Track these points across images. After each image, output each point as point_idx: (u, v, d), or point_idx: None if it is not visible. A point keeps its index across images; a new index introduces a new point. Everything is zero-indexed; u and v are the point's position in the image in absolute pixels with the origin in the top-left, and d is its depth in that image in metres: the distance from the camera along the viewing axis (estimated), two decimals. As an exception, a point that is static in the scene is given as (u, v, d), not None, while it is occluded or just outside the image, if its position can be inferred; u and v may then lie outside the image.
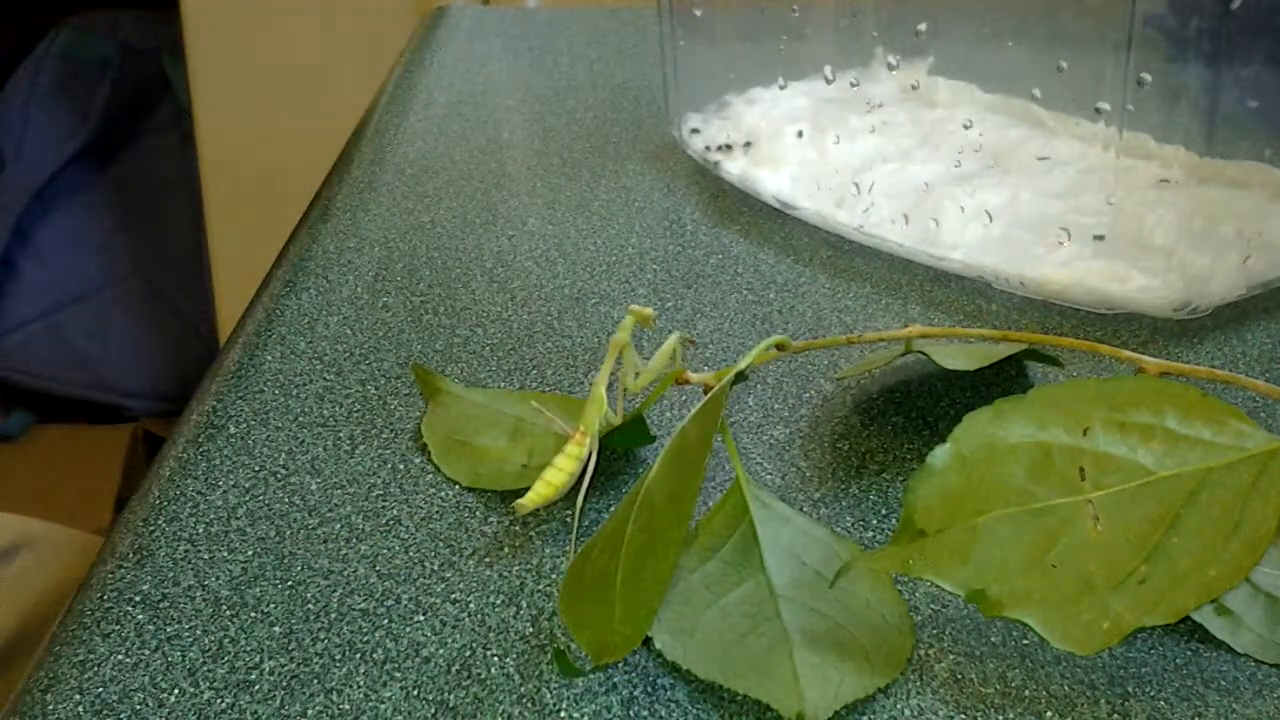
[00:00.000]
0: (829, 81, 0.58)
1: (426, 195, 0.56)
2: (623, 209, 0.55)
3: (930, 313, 0.47)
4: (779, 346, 0.36)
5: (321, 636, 0.31)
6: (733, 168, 0.55)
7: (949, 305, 0.47)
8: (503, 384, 0.42)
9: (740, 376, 0.34)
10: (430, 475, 0.37)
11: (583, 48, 0.76)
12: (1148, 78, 0.49)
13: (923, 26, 0.57)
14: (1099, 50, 0.52)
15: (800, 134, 0.56)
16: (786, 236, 0.52)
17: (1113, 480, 0.30)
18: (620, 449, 0.38)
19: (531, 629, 0.32)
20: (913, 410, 0.41)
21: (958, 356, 0.38)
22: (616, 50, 0.75)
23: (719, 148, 0.57)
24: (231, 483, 0.37)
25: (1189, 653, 0.31)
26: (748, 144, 0.57)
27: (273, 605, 0.32)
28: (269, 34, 1.34)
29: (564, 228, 0.53)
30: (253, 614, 0.32)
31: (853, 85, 0.57)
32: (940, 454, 0.32)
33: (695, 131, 0.58)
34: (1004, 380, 0.42)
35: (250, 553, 0.34)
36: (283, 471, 0.37)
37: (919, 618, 0.32)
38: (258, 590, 0.33)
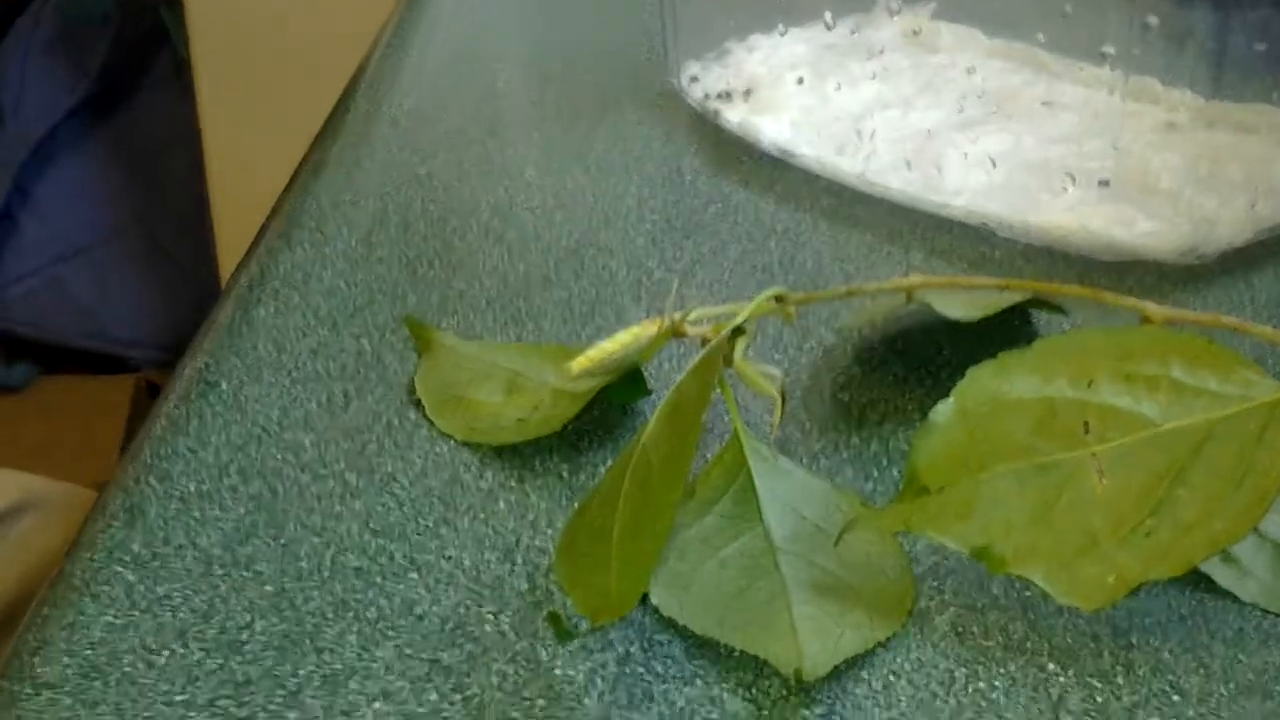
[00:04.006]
0: (829, 27, 0.57)
1: (422, 147, 0.55)
2: (621, 159, 0.54)
3: (933, 260, 0.46)
4: (778, 298, 0.35)
5: (314, 595, 0.31)
6: (732, 116, 0.54)
7: (952, 253, 0.47)
8: (499, 337, 0.42)
9: (738, 330, 0.34)
10: (425, 430, 0.37)
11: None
12: (1154, 20, 0.48)
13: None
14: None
15: (801, 81, 0.55)
16: (787, 185, 0.51)
17: (1117, 433, 0.30)
18: (617, 402, 0.37)
19: (527, 585, 0.31)
20: (914, 360, 0.40)
21: (960, 306, 0.37)
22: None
23: (718, 95, 0.56)
24: (224, 440, 0.36)
25: (1194, 603, 0.30)
26: (748, 91, 0.56)
27: (264, 564, 0.32)
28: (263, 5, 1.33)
29: (561, 178, 0.52)
30: (244, 573, 0.32)
31: (853, 32, 0.57)
32: (943, 409, 0.31)
33: (694, 79, 0.57)
34: (1007, 329, 0.41)
35: (242, 511, 0.34)
36: (275, 428, 0.37)
37: (920, 569, 0.32)
38: (249, 549, 0.32)
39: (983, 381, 0.31)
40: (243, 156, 1.38)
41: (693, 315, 0.35)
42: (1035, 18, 0.54)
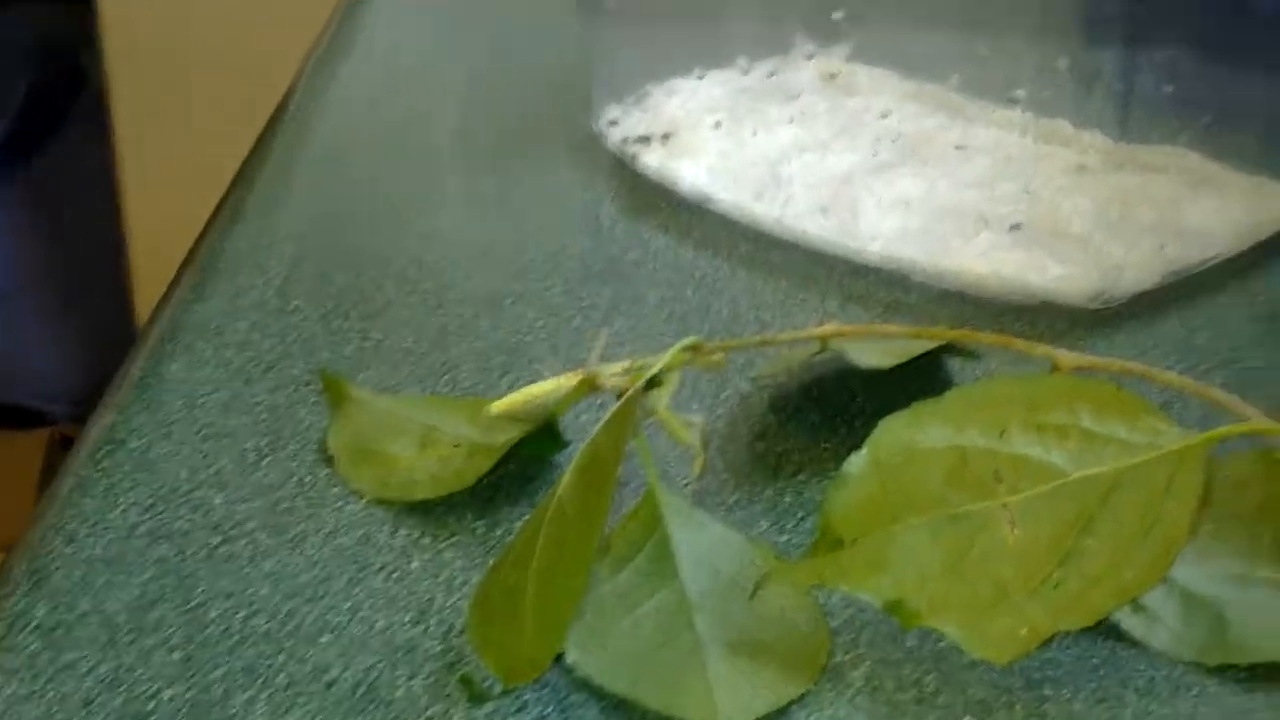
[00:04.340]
0: (744, 72, 0.57)
1: (340, 192, 0.55)
2: (539, 204, 0.54)
3: (849, 306, 0.46)
4: (692, 349, 0.35)
5: (222, 662, 0.30)
6: (650, 160, 0.54)
7: (868, 298, 0.47)
8: (415, 389, 0.41)
9: (652, 382, 0.34)
10: (338, 488, 0.36)
11: (509, 34, 0.75)
12: (1064, 63, 0.49)
13: (839, 14, 0.57)
14: (1014, 36, 0.52)
15: (718, 124, 0.55)
16: (705, 230, 0.51)
17: (1028, 483, 0.30)
18: (533, 456, 0.37)
19: (440, 647, 0.31)
20: (830, 408, 0.40)
21: (873, 354, 0.38)
22: (545, 37, 0.73)
23: (637, 139, 0.56)
24: (131, 500, 0.36)
25: (1106, 652, 0.31)
26: (666, 135, 0.56)
27: (172, 629, 0.31)
28: (186, 25, 1.32)
29: (480, 224, 0.52)
30: (151, 639, 0.31)
31: (770, 75, 0.57)
32: (856, 461, 0.31)
33: (614, 123, 0.58)
34: (922, 375, 0.41)
35: (149, 574, 0.33)
36: (185, 487, 0.36)
37: (835, 622, 0.32)
38: (157, 614, 0.32)
39: (895, 432, 0.31)
40: (161, 203, 1.36)
41: (609, 368, 0.35)
42: (949, 61, 0.55)
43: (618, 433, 0.31)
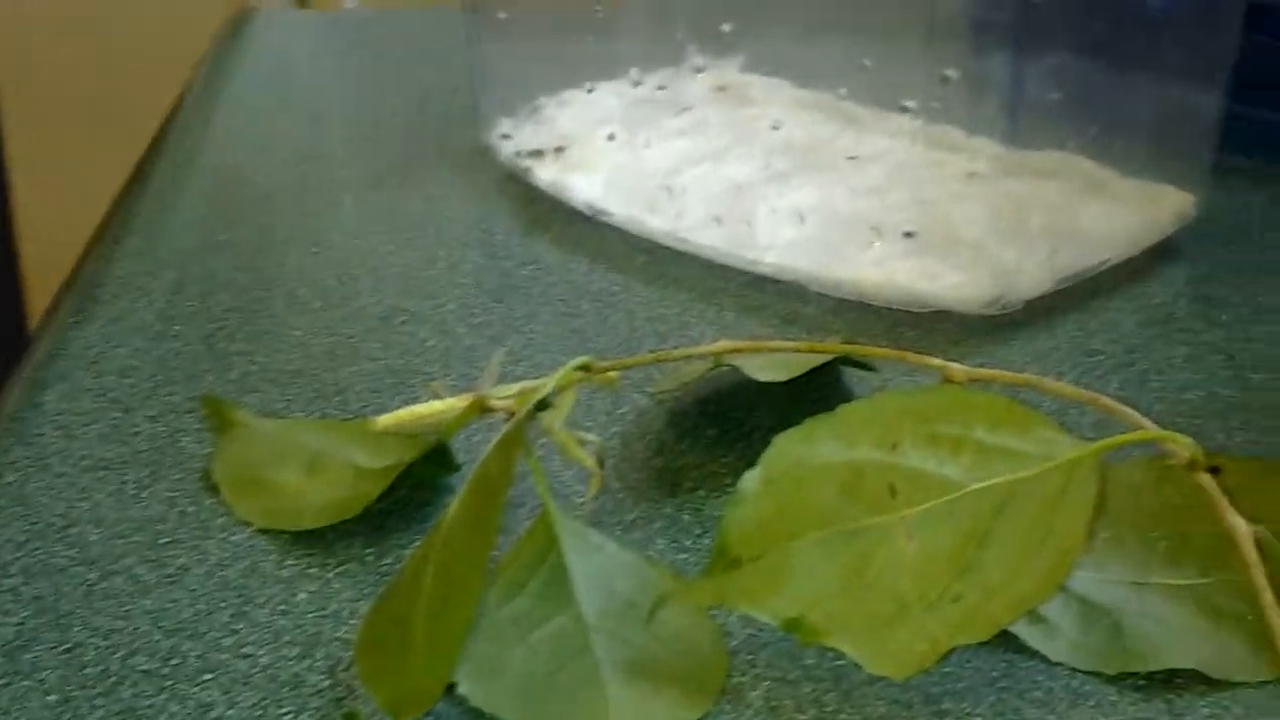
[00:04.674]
0: (635, 84, 0.57)
1: (227, 212, 0.54)
2: (431, 221, 0.53)
3: (746, 318, 0.46)
4: (584, 368, 0.34)
5: (100, 704, 0.29)
6: (544, 174, 0.54)
7: (765, 310, 0.46)
8: (303, 413, 0.40)
9: (542, 404, 0.33)
10: (223, 518, 0.35)
11: (396, 51, 0.74)
12: (953, 72, 0.49)
13: (728, 27, 0.56)
14: (905, 44, 0.52)
15: (612, 137, 0.55)
16: (600, 244, 0.51)
17: (923, 496, 0.30)
18: (424, 481, 0.36)
19: (328, 682, 0.30)
20: (728, 423, 0.40)
21: (767, 368, 0.37)
22: (432, 53, 0.73)
23: (530, 153, 0.55)
24: (6, 537, 0.34)
25: (1005, 664, 0.30)
26: (559, 149, 0.55)
27: (48, 671, 0.30)
28: (73, 46, 1.29)
29: (370, 242, 0.51)
30: (26, 683, 0.30)
31: (659, 88, 0.56)
32: (750, 478, 0.31)
33: (506, 137, 0.57)
34: (820, 387, 0.41)
35: (25, 614, 0.32)
36: (61, 522, 0.35)
37: (734, 642, 0.31)
38: (32, 656, 0.30)
39: (788, 448, 0.31)
40: (54, 218, 1.33)
41: (499, 390, 0.34)
42: (841, 70, 0.55)
43: (506, 456, 0.30)
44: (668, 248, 0.50)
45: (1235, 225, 0.51)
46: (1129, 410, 0.31)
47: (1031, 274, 0.45)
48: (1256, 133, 0.55)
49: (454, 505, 0.30)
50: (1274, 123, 0.55)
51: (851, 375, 0.41)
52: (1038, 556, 0.29)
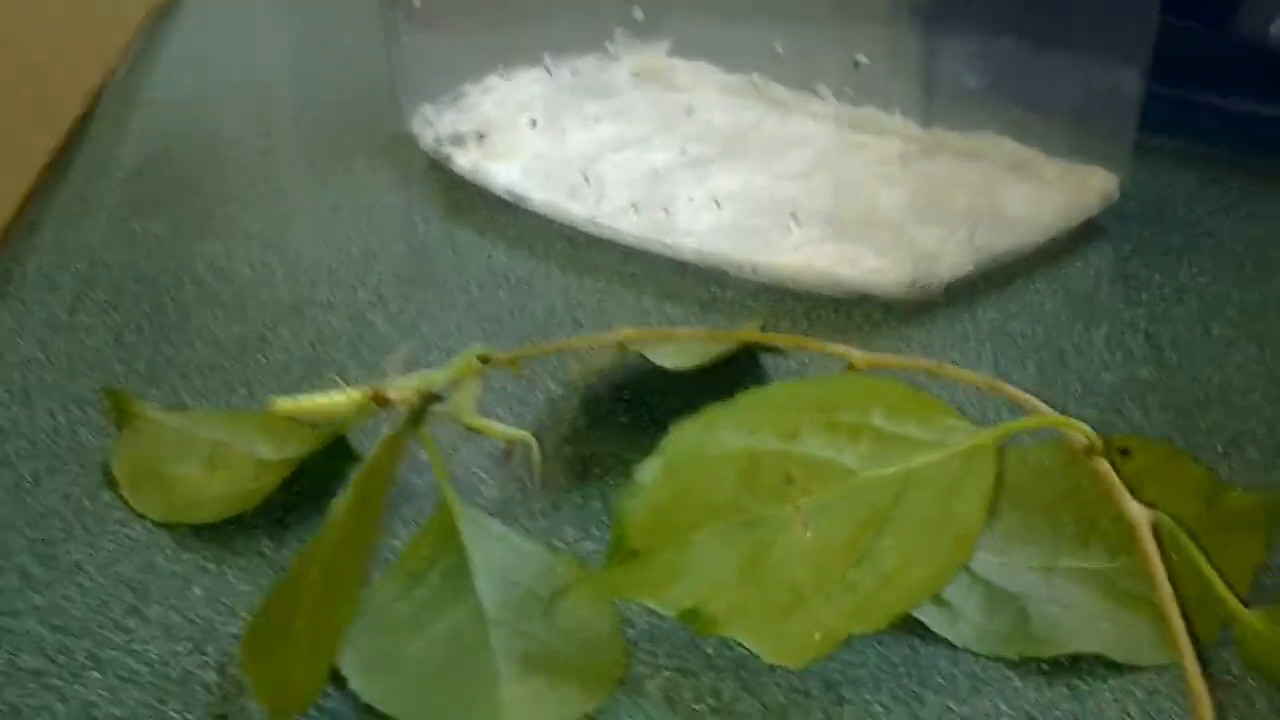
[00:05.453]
0: (560, 71, 0.56)
1: (143, 202, 0.53)
2: (350, 208, 0.52)
3: (666, 304, 0.46)
4: (482, 358, 0.34)
5: (-19, 705, 0.28)
6: (465, 161, 0.53)
7: (684, 295, 0.46)
8: (208, 404, 0.40)
9: (433, 397, 0.32)
10: (120, 512, 0.35)
11: (329, 37, 0.73)
12: (876, 53, 0.49)
13: (640, 14, 0.56)
14: (827, 26, 0.51)
15: (534, 123, 0.54)
16: (520, 231, 0.50)
17: (820, 485, 0.29)
18: (325, 473, 0.35)
19: (217, 678, 0.29)
20: (641, 409, 0.39)
21: (673, 355, 0.37)
22: (359, 39, 0.72)
23: (452, 139, 0.55)
24: (-106, 535, 0.34)
25: (908, 650, 0.30)
26: (481, 135, 0.55)
27: (-71, 673, 0.29)
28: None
29: (286, 231, 0.50)
30: (-94, 684, 0.29)
31: (573, 74, 0.56)
32: (648, 468, 0.30)
33: (429, 123, 0.56)
34: (737, 372, 0.40)
35: (-91, 614, 0.31)
36: (-48, 519, 0.34)
37: (635, 633, 0.31)
38: (-86, 656, 0.30)
39: (687, 437, 0.30)
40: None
41: (397, 382, 0.33)
42: (766, 53, 0.55)
43: (391, 449, 0.30)
44: (588, 234, 0.49)
45: (1159, 205, 0.51)
46: (1027, 396, 0.30)
47: (952, 256, 0.45)
48: (1181, 113, 0.55)
49: (341, 498, 0.29)
50: (1199, 103, 0.55)
51: (770, 361, 0.41)
52: (933, 544, 0.28)
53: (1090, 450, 0.30)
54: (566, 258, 0.48)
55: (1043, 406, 0.30)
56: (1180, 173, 0.54)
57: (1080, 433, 0.29)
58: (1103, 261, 0.48)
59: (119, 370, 0.41)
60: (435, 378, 0.33)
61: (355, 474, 0.30)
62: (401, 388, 0.33)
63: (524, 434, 0.34)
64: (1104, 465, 0.29)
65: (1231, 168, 0.54)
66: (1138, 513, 0.27)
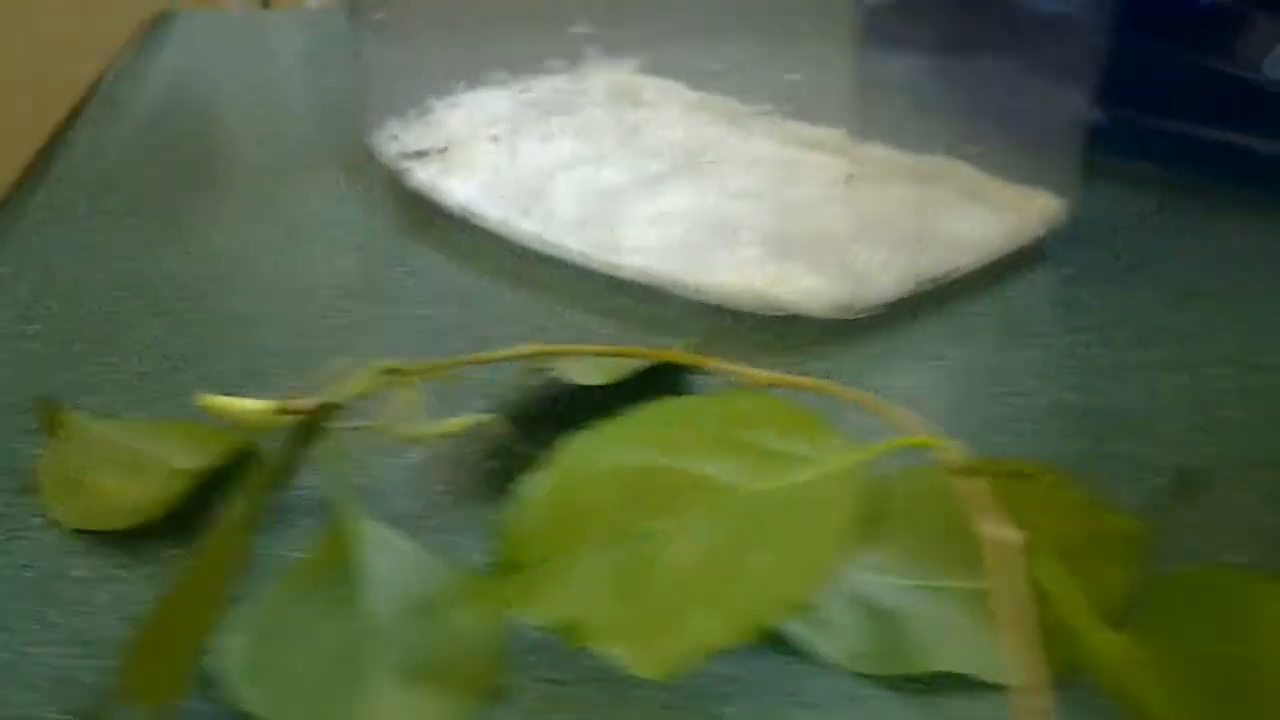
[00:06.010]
0: (527, 87, 0.57)
1: (107, 214, 0.54)
2: (310, 223, 0.53)
3: (608, 322, 0.46)
4: (390, 371, 0.34)
5: (-127, 704, 0.29)
6: (422, 176, 0.54)
7: (626, 313, 0.47)
8: (144, 414, 0.40)
9: (330, 409, 0.33)
10: (38, 518, 0.35)
11: (309, 52, 0.74)
12: (834, 73, 0.49)
13: (609, 33, 0.57)
14: (788, 46, 0.52)
15: (496, 139, 0.55)
16: (473, 247, 0.51)
17: (700, 501, 0.30)
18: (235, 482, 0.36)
19: (106, 683, 0.30)
20: (570, 423, 0.40)
21: (589, 372, 0.37)
22: (330, 55, 0.73)
23: (414, 154, 0.56)
24: None
25: (782, 666, 0.30)
26: (443, 150, 0.55)
27: None
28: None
29: (245, 245, 0.51)
30: None
31: (540, 91, 0.57)
32: (536, 482, 0.31)
33: (394, 138, 0.57)
34: (664, 388, 0.41)
35: None
36: (-128, 523, 0.35)
37: (521, 644, 0.31)
38: None
39: (578, 453, 0.31)
40: None
41: (304, 396, 0.34)
42: (732, 72, 0.55)
43: (285, 460, 0.31)
44: (537, 251, 0.50)
45: (1109, 229, 0.51)
46: (908, 416, 0.31)
47: (892, 278, 0.46)
48: (1131, 136, 0.55)
49: (226, 512, 0.30)
50: (1147, 127, 0.55)
51: (701, 379, 0.41)
52: (800, 560, 0.29)
53: (969, 471, 0.30)
54: (514, 274, 0.49)
55: (916, 425, 0.30)
56: (1135, 198, 0.54)
57: (949, 453, 0.29)
58: (1043, 285, 0.48)
59: (61, 379, 0.42)
60: (338, 391, 0.34)
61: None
62: (305, 401, 0.33)
63: (467, 420, 0.35)
64: (969, 485, 0.29)
65: (1190, 194, 0.54)
66: (993, 533, 0.28)
